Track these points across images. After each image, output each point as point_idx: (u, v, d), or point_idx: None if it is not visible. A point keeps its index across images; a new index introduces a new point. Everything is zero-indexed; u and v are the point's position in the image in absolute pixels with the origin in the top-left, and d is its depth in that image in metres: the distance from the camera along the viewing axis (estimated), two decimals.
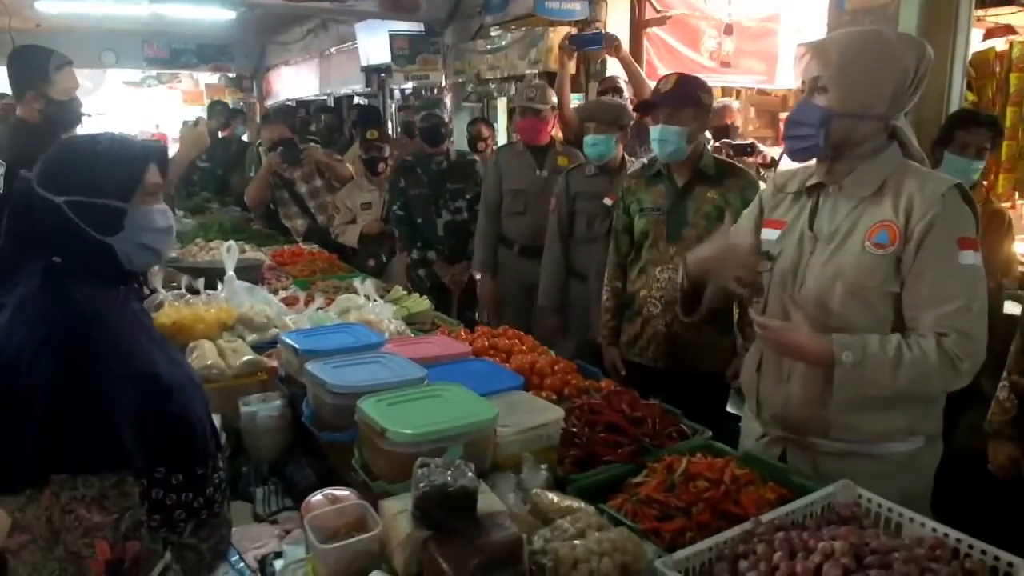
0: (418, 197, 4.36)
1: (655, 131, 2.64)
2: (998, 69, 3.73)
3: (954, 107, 3.32)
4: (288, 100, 12.05)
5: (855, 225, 1.71)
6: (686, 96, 2.62)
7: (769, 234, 1.88)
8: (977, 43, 3.84)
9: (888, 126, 1.73)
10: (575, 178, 3.47)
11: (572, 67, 4.91)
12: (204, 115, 6.73)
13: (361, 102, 9.56)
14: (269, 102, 12.98)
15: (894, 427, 1.74)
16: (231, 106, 9.00)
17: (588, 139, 3.35)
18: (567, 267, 3.51)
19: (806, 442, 1.81)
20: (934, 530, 1.34)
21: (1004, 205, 3.78)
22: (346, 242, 4.71)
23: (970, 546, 1.28)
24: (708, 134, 3.98)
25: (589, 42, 4.54)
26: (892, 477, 1.68)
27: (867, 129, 1.70)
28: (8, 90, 3.31)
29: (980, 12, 3.81)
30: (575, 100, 5.05)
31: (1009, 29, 4.31)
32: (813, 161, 1.81)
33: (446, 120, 4.44)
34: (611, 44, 4.36)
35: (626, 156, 3.59)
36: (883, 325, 1.69)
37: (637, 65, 4.57)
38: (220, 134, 7.49)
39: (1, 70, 3.65)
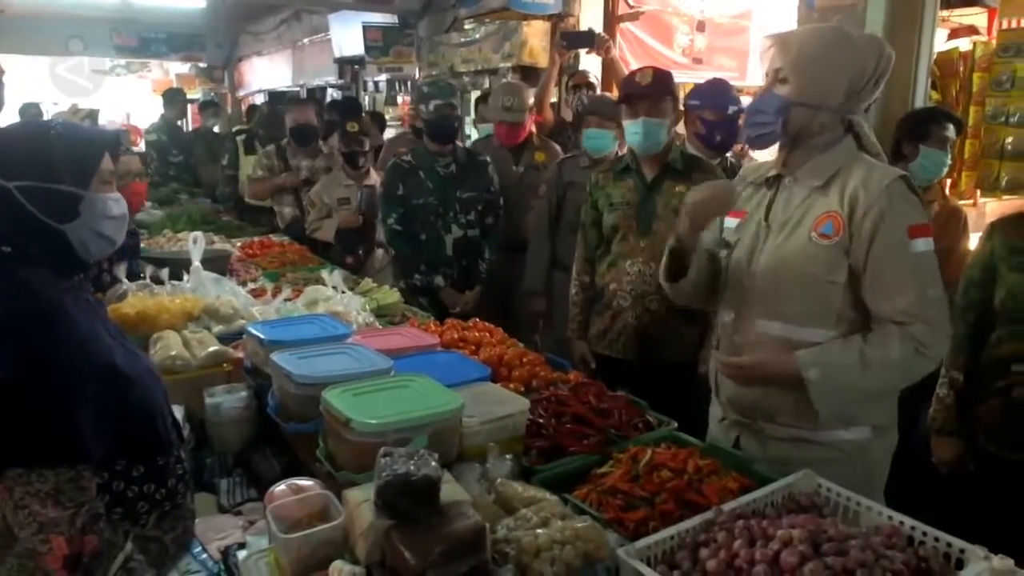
0: (422, 208, 3.58)
1: (636, 124, 2.65)
2: (962, 69, 3.79)
3: (919, 105, 3.37)
4: (260, 91, 11.93)
5: (804, 215, 1.76)
6: (664, 89, 2.65)
7: (729, 223, 1.93)
8: (941, 43, 3.90)
9: (845, 120, 1.77)
10: (568, 168, 3.47)
11: (561, 62, 4.89)
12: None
13: (334, 94, 9.48)
14: (241, 92, 12.84)
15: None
16: (205, 98, 8.88)
17: (589, 132, 3.32)
18: (552, 258, 3.49)
19: (755, 426, 1.85)
20: (890, 518, 1.37)
21: (966, 202, 3.87)
22: (321, 237, 4.39)
23: (924, 533, 1.31)
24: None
25: (581, 42, 4.55)
26: (840, 464, 1.72)
27: (824, 120, 1.73)
28: None
29: (945, 13, 3.88)
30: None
31: (972, 30, 4.39)
32: (775, 155, 1.85)
33: (459, 112, 3.69)
34: (602, 45, 4.38)
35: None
36: (828, 313, 1.72)
37: (624, 66, 4.59)
38: (191, 126, 7.39)
39: None
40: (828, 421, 1.73)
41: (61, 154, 1.33)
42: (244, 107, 12.86)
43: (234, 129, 6.53)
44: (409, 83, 7.58)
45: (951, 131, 2.98)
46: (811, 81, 1.70)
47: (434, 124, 3.58)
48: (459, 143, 3.71)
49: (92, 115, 3.66)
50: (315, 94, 9.88)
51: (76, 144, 1.36)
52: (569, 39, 4.58)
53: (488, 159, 3.77)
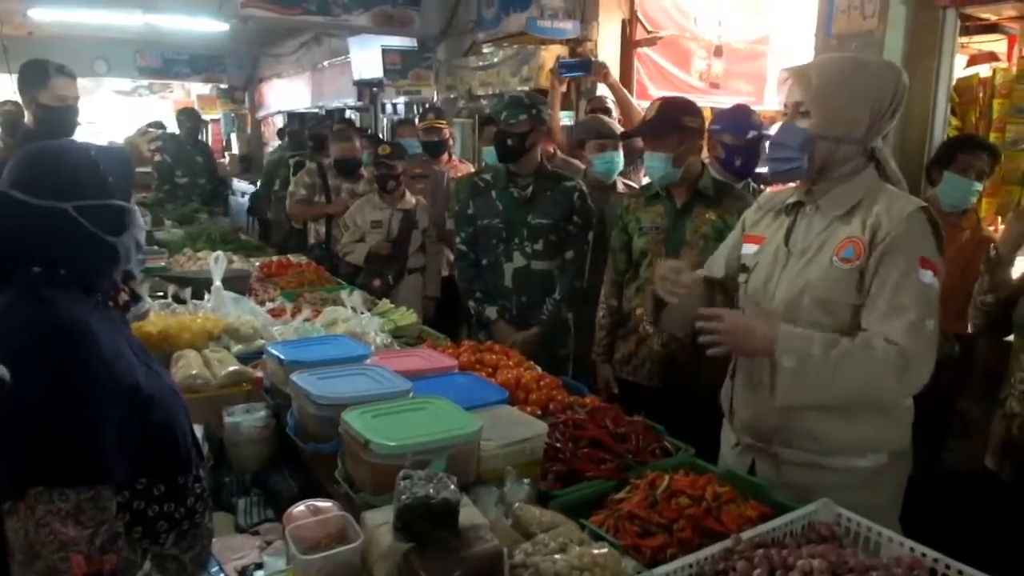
0: (487, 231, 3.23)
1: (645, 157, 2.71)
2: (981, 95, 3.77)
3: (938, 132, 3.37)
4: (280, 112, 12.08)
5: (826, 242, 1.77)
6: (666, 123, 2.64)
7: (747, 248, 1.95)
8: (961, 69, 3.90)
9: (867, 149, 1.78)
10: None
11: (563, 88, 4.97)
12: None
13: (352, 116, 9.57)
14: (261, 113, 13.01)
15: (854, 440, 1.77)
16: (225, 119, 8.95)
17: (603, 156, 3.37)
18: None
19: (771, 451, 1.85)
20: (912, 549, 1.35)
21: (988, 229, 3.84)
22: (353, 261, 4.36)
23: (947, 566, 1.30)
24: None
25: (577, 69, 4.60)
26: (855, 491, 1.70)
27: (847, 152, 1.75)
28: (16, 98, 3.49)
29: (964, 39, 3.87)
30: (565, 118, 5.10)
31: (992, 56, 4.38)
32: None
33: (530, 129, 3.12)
34: (599, 72, 4.42)
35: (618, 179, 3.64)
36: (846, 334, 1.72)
37: (625, 91, 4.62)
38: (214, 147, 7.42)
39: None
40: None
41: (109, 171, 1.39)
42: (264, 128, 13.01)
43: (290, 157, 6.48)
44: (427, 104, 7.63)
45: (983, 160, 2.96)
46: (833, 113, 1.71)
47: (502, 143, 3.18)
48: (548, 164, 3.30)
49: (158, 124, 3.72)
50: (334, 116, 9.99)
51: (115, 160, 1.42)
52: (566, 67, 4.63)
53: (579, 185, 3.26)
